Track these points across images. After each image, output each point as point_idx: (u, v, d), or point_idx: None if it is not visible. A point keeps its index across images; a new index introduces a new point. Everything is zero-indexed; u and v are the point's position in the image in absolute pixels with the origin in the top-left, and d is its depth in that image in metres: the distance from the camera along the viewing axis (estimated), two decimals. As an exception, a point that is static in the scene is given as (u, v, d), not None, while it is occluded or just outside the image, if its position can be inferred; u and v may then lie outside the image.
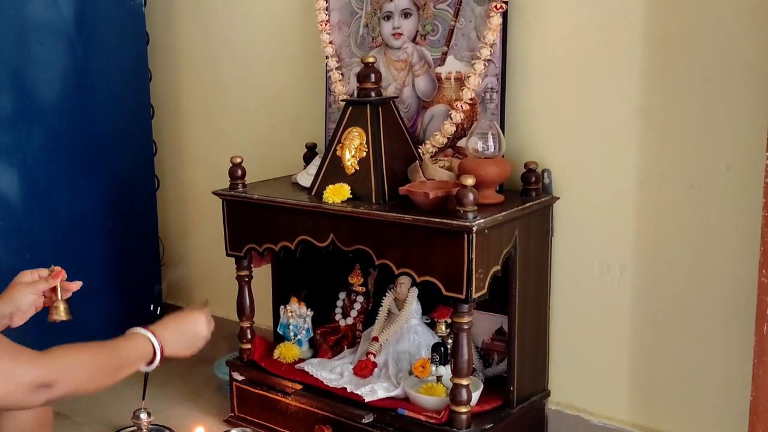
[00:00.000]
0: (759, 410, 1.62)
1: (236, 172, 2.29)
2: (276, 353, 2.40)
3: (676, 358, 2.05)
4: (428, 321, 2.27)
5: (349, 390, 2.18)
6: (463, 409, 2.00)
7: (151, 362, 1.56)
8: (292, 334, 2.43)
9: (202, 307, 1.73)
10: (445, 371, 2.11)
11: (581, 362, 2.20)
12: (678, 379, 2.06)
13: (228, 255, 2.35)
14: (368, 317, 2.41)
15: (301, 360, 2.38)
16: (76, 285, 1.71)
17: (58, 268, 1.68)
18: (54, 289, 1.66)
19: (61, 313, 1.67)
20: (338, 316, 2.46)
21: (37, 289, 1.66)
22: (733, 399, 1.92)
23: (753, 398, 1.61)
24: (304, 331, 2.43)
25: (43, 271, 1.68)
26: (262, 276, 2.51)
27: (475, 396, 2.07)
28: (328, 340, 2.43)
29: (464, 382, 1.98)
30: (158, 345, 1.57)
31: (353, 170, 2.10)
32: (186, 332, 1.65)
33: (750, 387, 1.62)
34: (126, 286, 2.79)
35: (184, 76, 2.92)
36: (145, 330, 1.57)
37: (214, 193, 2.31)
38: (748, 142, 1.81)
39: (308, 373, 2.28)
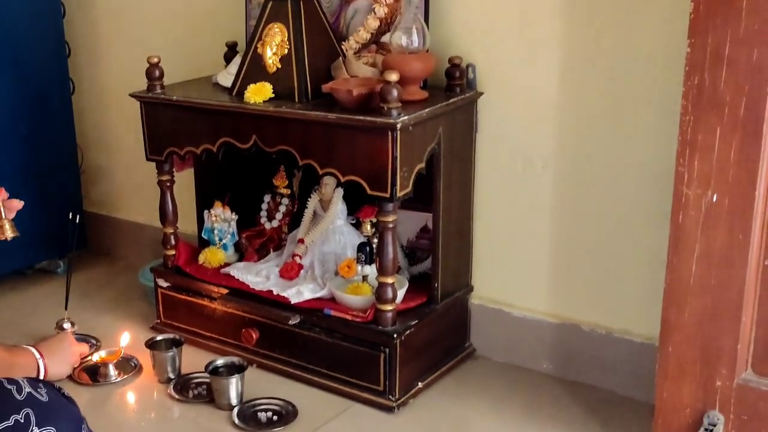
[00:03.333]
0: (673, 297, 1.66)
1: (154, 73, 2.22)
2: (201, 258, 2.38)
3: (595, 250, 2.08)
4: (353, 221, 2.27)
5: (275, 293, 2.17)
6: (389, 307, 2.01)
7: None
8: (216, 238, 2.42)
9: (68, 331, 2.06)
10: (371, 270, 2.12)
11: (504, 258, 2.23)
12: (596, 271, 2.09)
13: (148, 159, 2.31)
14: (294, 219, 2.40)
15: (227, 264, 2.36)
16: (19, 203, 1.72)
17: None
18: None
19: (7, 232, 1.66)
20: (263, 220, 2.44)
21: None
22: (649, 288, 1.96)
23: (667, 285, 1.65)
24: (229, 236, 2.41)
25: None
26: (185, 181, 2.49)
27: (401, 294, 2.08)
28: (254, 244, 2.41)
29: (389, 280, 1.99)
30: (43, 367, 1.93)
31: (275, 68, 2.06)
32: (65, 356, 1.98)
33: (664, 274, 1.66)
34: (44, 195, 2.72)
35: (95, -29, 2.82)
36: (36, 351, 1.92)
37: (132, 95, 2.25)
38: (669, 33, 1.82)
39: (234, 277, 2.27)
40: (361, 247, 2.18)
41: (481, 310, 2.29)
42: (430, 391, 2.13)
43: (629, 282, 2.04)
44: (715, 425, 1.63)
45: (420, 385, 2.12)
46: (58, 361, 1.96)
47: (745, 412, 1.62)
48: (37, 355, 1.92)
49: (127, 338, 2.18)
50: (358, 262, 2.15)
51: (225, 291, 2.27)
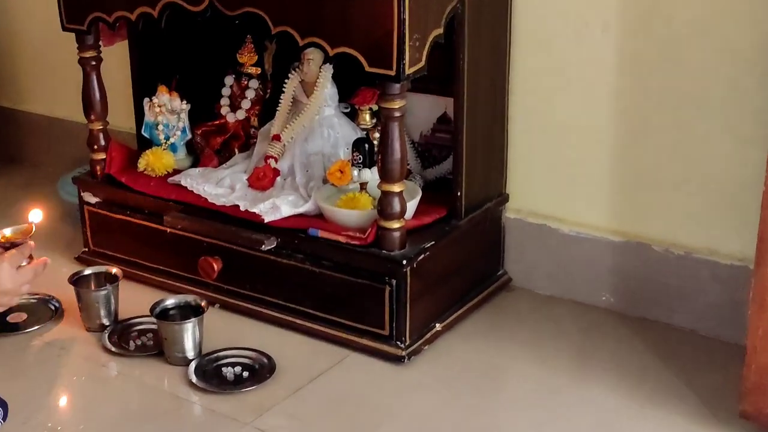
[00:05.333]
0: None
1: None
2: (141, 164, 2.38)
3: (671, 156, 2.09)
4: (347, 110, 2.27)
5: (243, 208, 2.17)
6: (396, 225, 2.00)
7: None
8: (162, 136, 2.41)
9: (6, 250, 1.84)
10: (371, 176, 2.12)
11: (549, 157, 2.24)
12: (672, 174, 2.11)
13: (65, 29, 2.29)
14: (266, 109, 2.40)
15: (177, 172, 2.36)
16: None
17: None
18: None
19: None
20: (225, 110, 2.43)
21: None
22: (740, 192, 2.00)
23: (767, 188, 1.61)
24: (178, 132, 2.41)
25: None
26: (117, 58, 2.50)
27: (411, 206, 2.07)
28: (213, 143, 2.41)
29: (396, 188, 1.97)
30: None
31: None
32: None
33: (762, 190, 1.64)
34: None
35: None
36: None
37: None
38: None
39: (187, 188, 2.27)
40: (357, 145, 2.16)
41: (518, 226, 2.31)
42: (451, 335, 2.16)
43: (715, 186, 2.05)
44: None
45: (438, 327, 2.14)
46: None
47: None
48: None
49: (38, 215, 2.00)
50: (353, 164, 2.14)
51: (176, 207, 2.26)
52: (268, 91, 2.42)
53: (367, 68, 1.90)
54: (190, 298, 2.14)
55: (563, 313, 2.25)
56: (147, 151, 2.40)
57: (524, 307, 2.29)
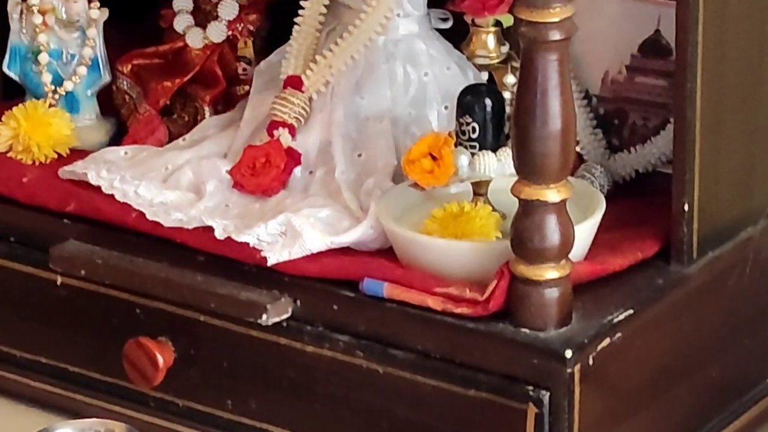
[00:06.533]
0: None
1: None
2: (4, 136, 1.96)
3: None
4: (448, 24, 1.88)
5: (221, 234, 1.72)
6: (551, 274, 1.58)
7: None
8: (47, 78, 2.01)
9: None
10: (497, 167, 1.68)
11: None
12: None
13: None
14: (272, 25, 2.04)
15: (81, 153, 1.94)
16: None
17: None
18: None
19: None
20: (182, 22, 2.00)
21: None
22: None
23: None
24: (83, 69, 2.00)
25: None
26: None
27: (586, 234, 1.66)
28: (156, 92, 2.01)
29: (552, 196, 1.57)
30: None
31: None
32: None
33: None
34: None
35: None
36: None
37: None
38: None
39: (101, 189, 1.85)
40: (469, 101, 1.70)
41: None
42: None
43: None
44: None
45: None
46: None
47: None
48: None
49: None
50: (458, 143, 1.71)
51: (76, 231, 1.86)
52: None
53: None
54: (103, 428, 1.67)
55: None
56: (15, 110, 1.96)
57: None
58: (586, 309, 1.58)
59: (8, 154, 1.93)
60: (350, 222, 1.70)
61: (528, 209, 1.51)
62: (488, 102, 1.64)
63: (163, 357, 1.74)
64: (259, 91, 1.91)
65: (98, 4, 2.00)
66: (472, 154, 1.64)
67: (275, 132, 1.79)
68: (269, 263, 1.63)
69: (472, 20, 1.83)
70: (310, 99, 1.82)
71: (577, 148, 1.73)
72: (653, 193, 1.78)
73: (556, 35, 1.45)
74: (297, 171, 1.81)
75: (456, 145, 1.65)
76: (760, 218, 1.85)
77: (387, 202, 1.70)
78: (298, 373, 1.70)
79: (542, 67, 1.46)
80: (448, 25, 1.86)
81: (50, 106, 1.96)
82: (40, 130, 1.91)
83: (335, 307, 1.63)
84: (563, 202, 1.51)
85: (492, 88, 1.72)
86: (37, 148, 1.89)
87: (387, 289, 1.60)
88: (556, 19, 1.44)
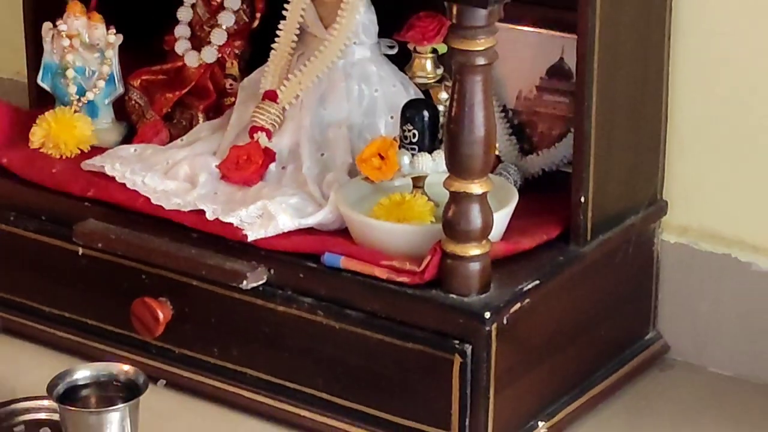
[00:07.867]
0: None
1: None
2: (37, 136, 2.15)
3: None
4: (393, 51, 2.07)
5: (211, 216, 1.93)
6: (474, 251, 1.75)
7: None
8: (73, 89, 2.19)
9: None
10: (433, 165, 1.88)
11: (738, 146, 2.04)
12: None
13: None
14: (254, 47, 2.23)
15: (98, 150, 2.13)
16: None
17: None
18: None
19: None
20: (182, 46, 2.21)
21: None
22: None
23: None
24: (101, 83, 2.19)
25: None
26: None
27: (502, 220, 1.83)
28: (160, 102, 2.19)
29: (476, 188, 1.73)
30: None
31: None
32: None
33: None
34: None
35: None
36: None
37: None
38: None
39: (115, 179, 2.05)
40: (410, 112, 1.90)
41: (683, 257, 2.11)
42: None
43: None
44: None
45: (543, 427, 1.92)
46: None
47: None
48: None
49: None
50: (402, 145, 1.90)
51: (95, 212, 2.04)
52: (257, 16, 2.21)
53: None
54: (115, 369, 1.85)
55: (761, 406, 2.00)
56: (47, 115, 2.16)
57: (690, 396, 2.05)
58: (501, 279, 1.80)
59: (41, 150, 2.17)
60: (314, 208, 1.93)
61: (456, 199, 1.74)
62: (426, 113, 1.87)
63: (163, 313, 1.95)
64: (242, 102, 2.13)
65: (114, 31, 2.23)
66: (413, 155, 1.87)
67: (255, 135, 2.02)
68: (249, 239, 1.87)
69: (414, 48, 2.04)
70: (284, 109, 2.04)
71: (496, 151, 1.92)
72: (556, 188, 1.99)
73: (481, 61, 1.67)
74: (272, 167, 2.03)
75: (399, 148, 1.88)
76: (641, 209, 2.06)
77: (344, 192, 1.92)
78: (270, 328, 1.92)
79: (470, 86, 1.69)
80: (395, 51, 2.07)
81: (75, 111, 2.19)
82: (66, 131, 2.13)
83: (301, 275, 1.86)
84: (485, 194, 1.74)
85: (429, 102, 1.95)
86: (64, 145, 2.13)
87: (343, 262, 1.83)
88: (482, 48, 1.66)
